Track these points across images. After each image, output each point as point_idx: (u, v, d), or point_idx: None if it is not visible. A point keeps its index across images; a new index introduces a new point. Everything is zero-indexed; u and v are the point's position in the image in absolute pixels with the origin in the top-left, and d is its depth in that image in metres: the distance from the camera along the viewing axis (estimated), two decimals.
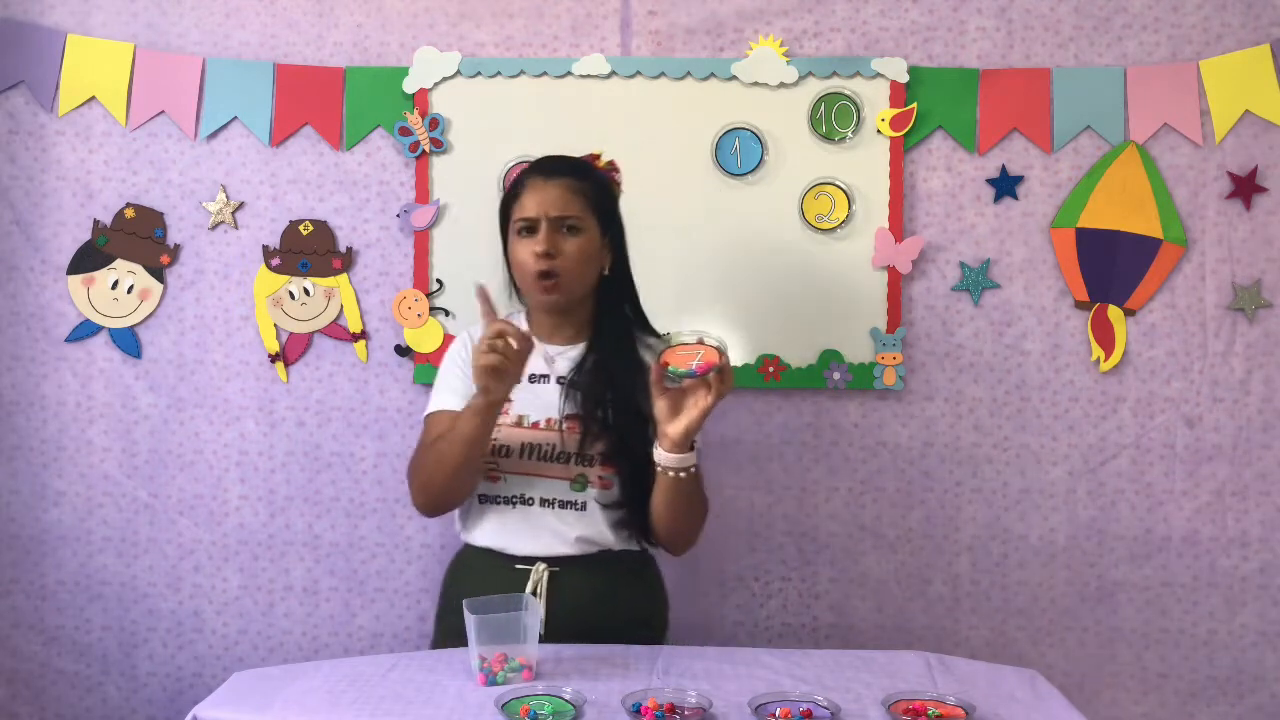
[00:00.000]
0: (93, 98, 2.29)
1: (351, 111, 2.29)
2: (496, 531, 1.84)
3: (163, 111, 2.29)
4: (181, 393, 2.31)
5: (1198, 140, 2.26)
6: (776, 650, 1.75)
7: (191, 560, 2.32)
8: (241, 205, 2.30)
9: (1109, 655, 2.30)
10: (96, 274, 2.30)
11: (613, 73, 2.28)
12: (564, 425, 1.81)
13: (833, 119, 2.28)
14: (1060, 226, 2.28)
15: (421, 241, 2.29)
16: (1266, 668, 2.29)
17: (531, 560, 1.81)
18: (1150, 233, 2.27)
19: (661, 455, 1.73)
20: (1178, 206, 2.27)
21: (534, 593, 1.77)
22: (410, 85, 2.28)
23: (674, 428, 1.69)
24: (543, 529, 1.81)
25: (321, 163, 2.30)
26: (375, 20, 2.29)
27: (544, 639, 1.69)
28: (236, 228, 2.31)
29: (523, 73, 2.28)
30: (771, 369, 2.28)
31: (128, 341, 2.30)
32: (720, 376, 1.66)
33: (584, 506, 1.82)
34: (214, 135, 2.30)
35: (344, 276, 2.30)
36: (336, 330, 2.30)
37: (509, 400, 1.81)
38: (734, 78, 2.27)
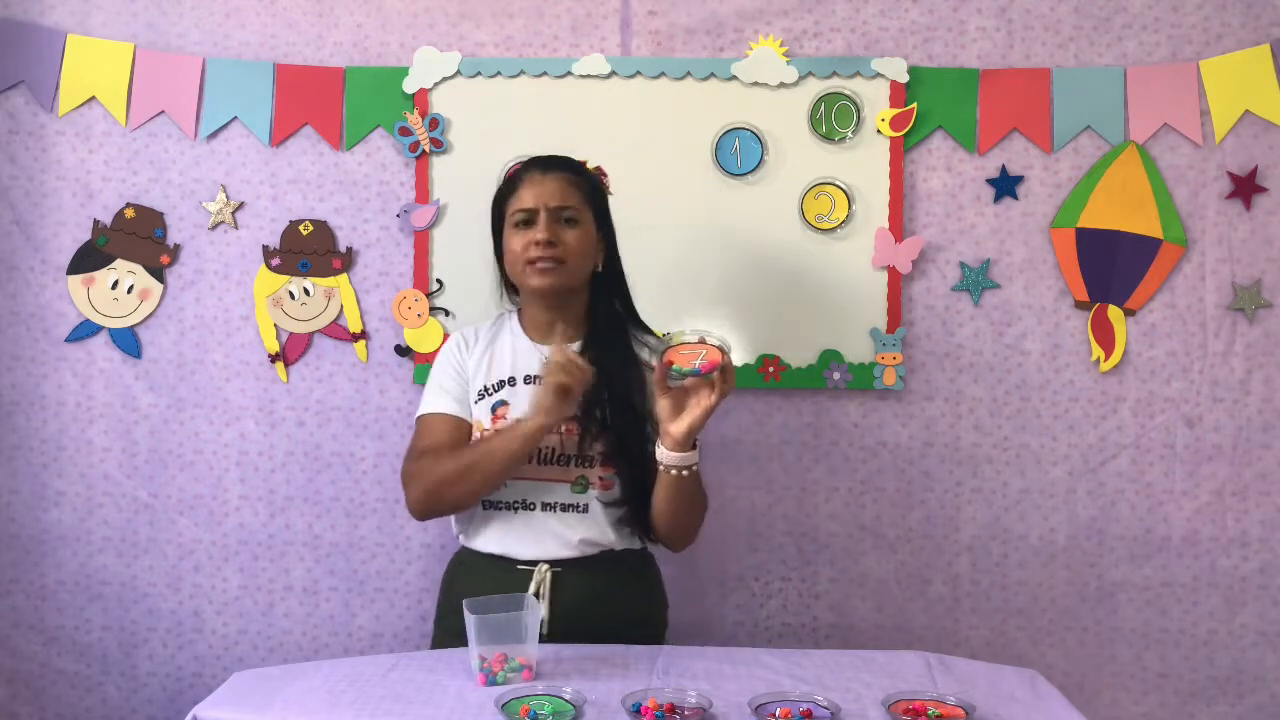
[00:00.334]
0: (93, 98, 2.29)
1: (351, 111, 2.29)
2: (500, 537, 1.84)
3: (163, 111, 2.29)
4: (181, 393, 2.31)
5: (1198, 140, 2.26)
6: (776, 650, 1.75)
7: (191, 560, 2.32)
8: (241, 205, 2.30)
9: (1109, 655, 2.30)
10: (96, 274, 2.30)
11: (613, 73, 2.28)
12: (562, 426, 1.81)
13: (833, 119, 2.28)
14: (1060, 226, 2.28)
15: (421, 241, 2.29)
16: (1266, 668, 2.29)
17: (534, 563, 1.81)
18: (1150, 233, 2.27)
19: (664, 454, 1.73)
20: (1178, 206, 2.27)
21: (536, 593, 1.77)
22: (410, 85, 2.28)
23: (677, 426, 1.70)
24: (546, 533, 1.81)
25: (321, 163, 2.30)
26: (375, 20, 2.29)
27: (545, 639, 1.70)
28: (236, 228, 2.31)
29: (523, 73, 2.28)
30: (771, 369, 2.28)
31: (128, 341, 2.30)
32: (723, 376, 1.66)
33: (586, 509, 1.82)
34: (214, 135, 2.30)
35: (344, 276, 2.30)
36: (336, 330, 2.30)
37: (505, 404, 1.82)
38: (734, 78, 2.27)
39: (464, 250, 2.27)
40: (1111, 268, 2.27)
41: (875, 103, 2.27)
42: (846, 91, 2.27)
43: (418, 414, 1.92)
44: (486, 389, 1.88)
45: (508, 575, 1.79)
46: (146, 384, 2.30)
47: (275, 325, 2.30)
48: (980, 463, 2.30)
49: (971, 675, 1.64)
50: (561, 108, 2.28)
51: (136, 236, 2.29)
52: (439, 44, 2.29)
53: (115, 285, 2.30)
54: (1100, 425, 2.29)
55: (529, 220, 1.84)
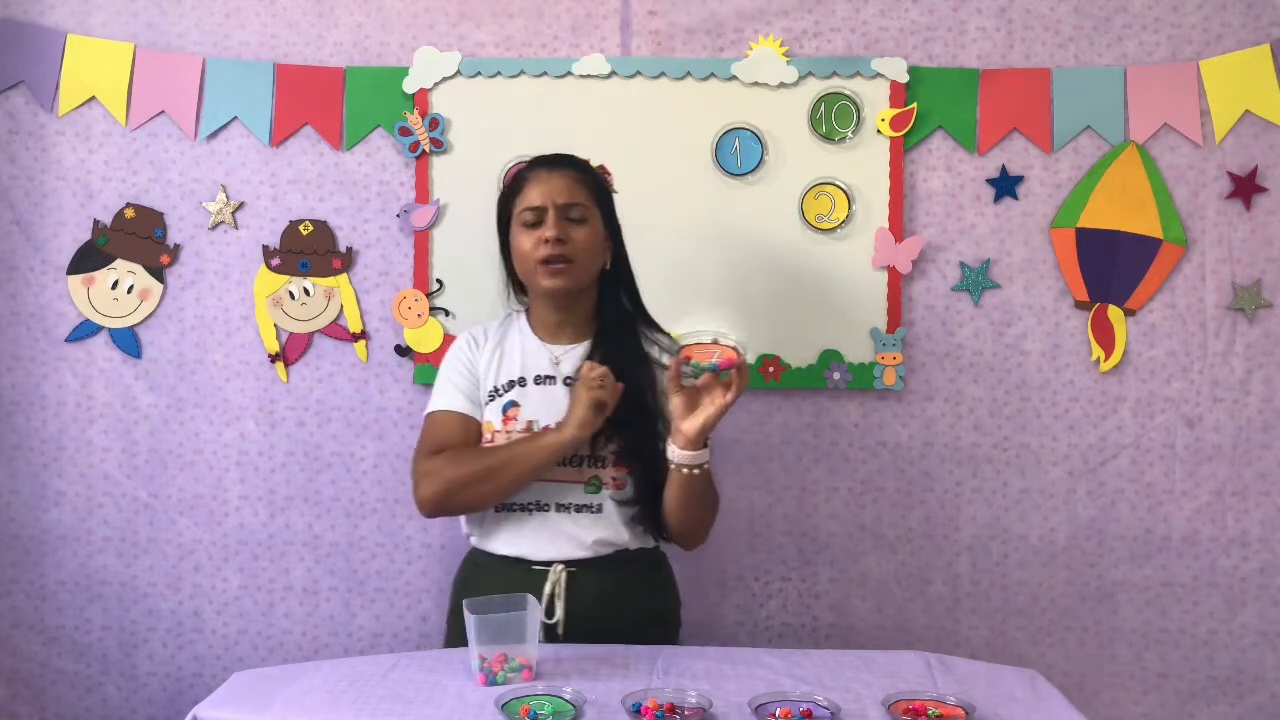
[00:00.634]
0: (93, 98, 2.29)
1: (351, 111, 2.29)
2: (514, 539, 1.83)
3: (163, 111, 2.29)
4: (181, 393, 2.31)
5: (1198, 140, 2.26)
6: (776, 650, 1.75)
7: (191, 560, 2.32)
8: (241, 205, 2.30)
9: (1109, 655, 2.30)
10: (96, 274, 2.30)
11: (613, 73, 2.28)
12: None
13: (833, 119, 2.28)
14: (1060, 226, 2.28)
15: (421, 241, 2.29)
16: (1266, 668, 2.29)
17: (549, 564, 1.80)
18: (1150, 233, 2.27)
19: (676, 452, 1.73)
20: (1178, 206, 2.27)
21: (552, 594, 1.77)
22: (410, 85, 2.28)
23: (690, 424, 1.70)
24: (560, 534, 1.81)
25: (321, 163, 2.30)
26: (375, 20, 2.29)
27: (561, 640, 1.71)
28: (236, 228, 2.31)
29: (523, 73, 2.28)
30: (771, 369, 2.28)
31: (128, 341, 2.30)
32: (739, 374, 1.67)
33: (600, 509, 1.81)
34: (214, 135, 2.30)
35: (344, 276, 2.30)
36: (336, 330, 2.30)
37: (516, 405, 1.81)
38: (734, 78, 2.27)
39: (464, 250, 2.27)
40: (1111, 268, 2.27)
41: (875, 103, 2.27)
42: (846, 91, 2.27)
43: (427, 410, 1.91)
44: (497, 389, 1.87)
45: (523, 576, 1.79)
46: (146, 384, 2.30)
47: (275, 325, 2.30)
48: (980, 463, 2.30)
49: (971, 675, 1.64)
50: (561, 108, 2.28)
51: (136, 236, 2.29)
52: (439, 44, 2.29)
53: (115, 285, 2.30)
54: (1100, 425, 2.29)
55: (537, 219, 1.83)
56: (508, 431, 1.82)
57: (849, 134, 2.27)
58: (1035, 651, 2.30)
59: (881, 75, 2.27)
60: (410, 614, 2.32)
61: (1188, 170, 2.27)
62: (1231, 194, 2.27)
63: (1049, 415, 2.29)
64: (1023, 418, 2.30)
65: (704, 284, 2.28)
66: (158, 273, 2.30)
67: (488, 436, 1.84)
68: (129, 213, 2.29)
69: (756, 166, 2.28)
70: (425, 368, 2.27)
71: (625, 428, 1.80)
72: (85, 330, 2.30)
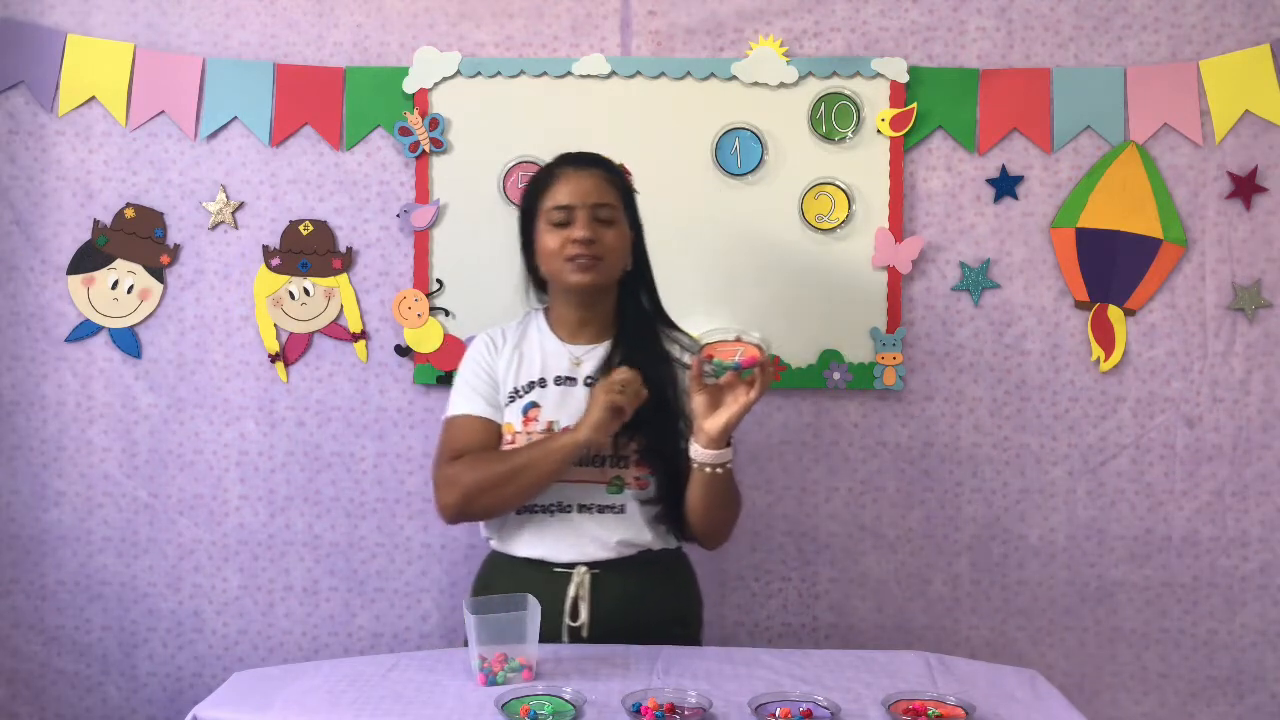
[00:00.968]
0: (93, 98, 2.29)
1: (351, 111, 2.29)
2: (537, 541, 1.81)
3: (163, 111, 2.29)
4: (181, 393, 2.31)
5: (1198, 140, 2.26)
6: (776, 650, 1.75)
7: (191, 560, 2.32)
8: (241, 205, 2.30)
9: (1109, 655, 2.30)
10: (96, 274, 2.30)
11: (613, 73, 2.28)
12: None
13: (833, 119, 2.28)
14: (1060, 226, 2.28)
15: (421, 241, 2.29)
16: (1266, 668, 2.29)
17: (572, 566, 1.79)
18: (1150, 233, 2.27)
19: (699, 451, 1.73)
20: (1178, 206, 2.27)
21: (577, 596, 1.76)
22: (410, 85, 2.28)
23: (713, 423, 1.69)
24: (584, 535, 1.79)
25: (321, 163, 2.30)
26: (375, 20, 2.29)
27: (585, 641, 1.71)
28: (236, 228, 2.31)
29: (523, 73, 2.28)
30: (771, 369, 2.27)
31: (128, 341, 2.30)
32: (763, 372, 1.66)
33: (623, 509, 1.80)
34: (214, 135, 2.30)
35: (344, 276, 2.30)
36: (336, 330, 2.30)
37: (537, 406, 1.81)
38: (734, 78, 2.27)
39: (464, 250, 2.27)
40: (1111, 268, 2.27)
41: (875, 103, 2.27)
42: (846, 91, 2.27)
43: (446, 415, 1.88)
44: (517, 390, 1.85)
45: (546, 578, 1.77)
46: (146, 384, 2.30)
47: (275, 325, 2.30)
48: (980, 463, 2.30)
49: (971, 675, 1.64)
50: (561, 108, 2.28)
51: (136, 236, 2.29)
52: (439, 44, 2.29)
53: (115, 285, 2.30)
54: (1100, 425, 2.29)
55: (567, 218, 1.81)
56: (528, 433, 1.81)
57: (849, 134, 2.27)
58: (1035, 651, 2.30)
59: (881, 75, 2.27)
60: (410, 614, 2.32)
61: (1188, 170, 2.27)
62: (1231, 194, 2.27)
63: (1049, 415, 2.29)
64: (1023, 418, 2.30)
65: (704, 284, 2.28)
66: (158, 273, 2.30)
67: (508, 438, 1.82)
68: (129, 213, 2.29)
69: (756, 166, 2.28)
70: (425, 368, 2.27)
71: (647, 427, 1.77)
72: (85, 330, 2.30)
